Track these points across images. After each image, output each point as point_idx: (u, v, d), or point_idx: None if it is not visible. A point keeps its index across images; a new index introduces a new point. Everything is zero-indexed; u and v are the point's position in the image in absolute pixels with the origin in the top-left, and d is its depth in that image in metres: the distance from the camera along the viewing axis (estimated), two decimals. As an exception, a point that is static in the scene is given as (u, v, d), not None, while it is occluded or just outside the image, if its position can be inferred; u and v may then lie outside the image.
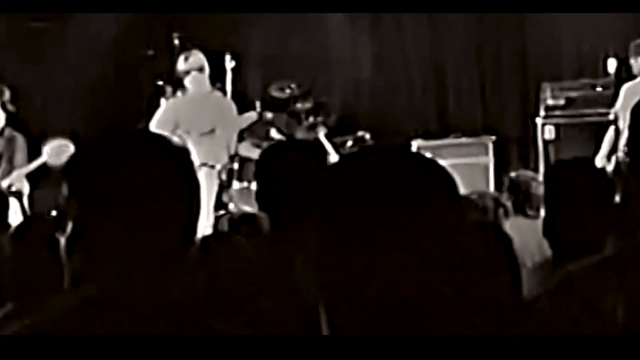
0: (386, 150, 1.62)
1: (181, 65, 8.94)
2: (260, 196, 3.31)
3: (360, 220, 1.52)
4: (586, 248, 2.32)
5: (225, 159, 8.92)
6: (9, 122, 8.61)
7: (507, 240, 1.61)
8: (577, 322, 1.91)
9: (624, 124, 8.43)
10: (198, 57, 8.94)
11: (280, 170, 3.15)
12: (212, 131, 8.83)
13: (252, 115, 9.56)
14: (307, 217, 2.49)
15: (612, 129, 8.58)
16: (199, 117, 8.83)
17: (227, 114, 9.05)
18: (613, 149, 8.44)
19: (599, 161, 8.26)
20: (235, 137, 9.14)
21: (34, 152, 8.48)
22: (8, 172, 8.41)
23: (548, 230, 2.74)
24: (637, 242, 2.27)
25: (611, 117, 8.69)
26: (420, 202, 1.52)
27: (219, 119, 8.92)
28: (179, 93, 9.10)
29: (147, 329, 1.71)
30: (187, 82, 8.92)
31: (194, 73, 8.87)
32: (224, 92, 9.69)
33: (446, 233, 1.49)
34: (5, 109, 8.59)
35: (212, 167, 8.63)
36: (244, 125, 9.41)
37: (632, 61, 8.55)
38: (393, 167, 1.56)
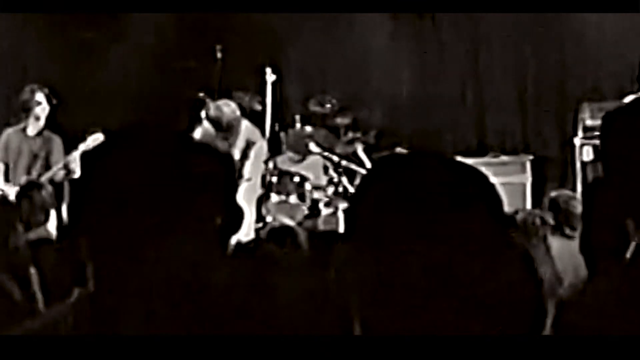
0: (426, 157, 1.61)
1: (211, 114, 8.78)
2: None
3: (396, 227, 1.53)
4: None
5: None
6: (47, 124, 9.00)
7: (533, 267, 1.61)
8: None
9: None
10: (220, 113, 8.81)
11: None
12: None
13: None
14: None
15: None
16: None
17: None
18: None
19: None
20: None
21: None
22: (45, 170, 8.79)
23: (584, 247, 2.76)
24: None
25: None
26: (461, 214, 1.54)
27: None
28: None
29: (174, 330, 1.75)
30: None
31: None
32: (264, 106, 9.73)
33: (487, 253, 1.50)
34: (50, 102, 8.96)
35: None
36: None
37: None
38: (436, 175, 1.56)
